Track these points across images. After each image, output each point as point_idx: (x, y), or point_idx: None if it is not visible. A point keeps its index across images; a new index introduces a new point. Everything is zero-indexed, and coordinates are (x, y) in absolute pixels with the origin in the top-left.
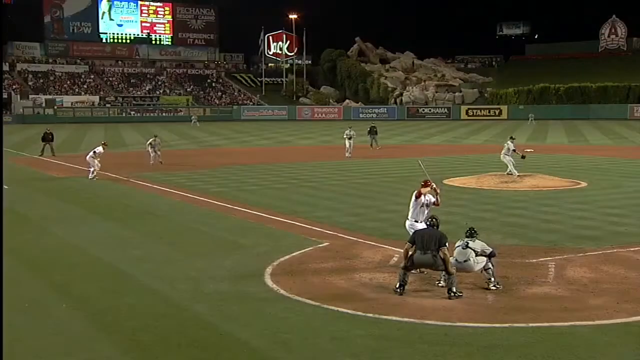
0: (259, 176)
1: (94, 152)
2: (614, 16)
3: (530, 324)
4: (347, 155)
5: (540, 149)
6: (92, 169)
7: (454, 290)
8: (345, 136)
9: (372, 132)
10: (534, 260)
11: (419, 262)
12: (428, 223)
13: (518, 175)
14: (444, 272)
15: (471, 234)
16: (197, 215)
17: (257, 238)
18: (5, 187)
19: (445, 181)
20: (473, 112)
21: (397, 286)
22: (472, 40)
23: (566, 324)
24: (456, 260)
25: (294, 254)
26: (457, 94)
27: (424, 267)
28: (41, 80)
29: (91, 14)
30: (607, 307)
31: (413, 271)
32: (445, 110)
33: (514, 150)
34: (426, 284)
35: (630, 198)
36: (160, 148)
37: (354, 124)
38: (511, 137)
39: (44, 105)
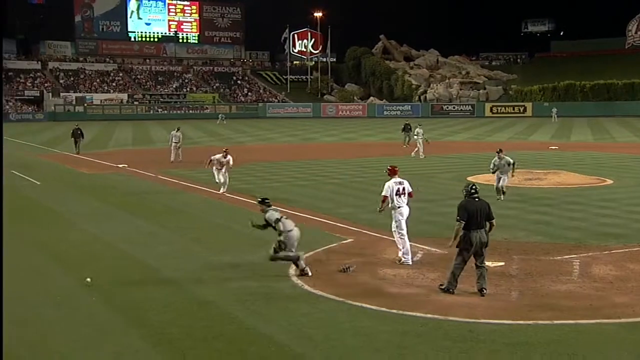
0: (284, 173)
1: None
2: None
3: (555, 322)
4: (421, 156)
5: (564, 146)
6: (221, 181)
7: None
8: (416, 135)
9: (406, 129)
10: (559, 257)
11: (478, 241)
12: (472, 191)
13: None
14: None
15: None
16: (223, 211)
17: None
18: (37, 183)
19: (469, 178)
20: (497, 109)
21: (447, 288)
22: (497, 37)
23: (591, 321)
24: None
25: (318, 250)
26: (481, 91)
27: (482, 246)
28: (72, 79)
29: (120, 13)
30: (634, 304)
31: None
32: (470, 107)
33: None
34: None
35: None
36: (181, 144)
37: (379, 122)
38: (499, 151)
39: (74, 103)
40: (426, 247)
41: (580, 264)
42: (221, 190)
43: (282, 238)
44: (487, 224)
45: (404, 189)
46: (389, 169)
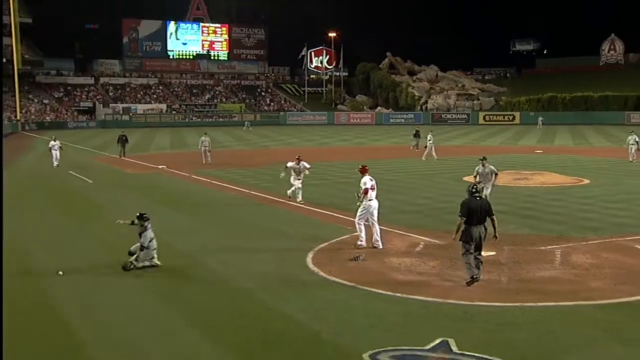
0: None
1: (294, 169)
2: (612, 34)
3: (539, 304)
4: (423, 158)
5: (548, 150)
6: (294, 189)
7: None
8: (429, 140)
9: (417, 135)
10: (543, 247)
11: (478, 235)
12: (473, 190)
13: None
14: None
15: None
16: (249, 207)
17: (300, 227)
18: (90, 181)
19: (465, 178)
20: (489, 117)
21: (470, 278)
22: (489, 54)
23: (570, 303)
24: None
25: (332, 241)
26: (475, 101)
27: (482, 239)
28: (119, 91)
29: (161, 34)
30: (606, 288)
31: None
32: (465, 116)
33: (495, 174)
34: (448, 267)
35: (628, 194)
36: (210, 148)
37: (386, 128)
38: (483, 158)
39: (121, 112)
40: (427, 239)
41: (562, 253)
42: (298, 199)
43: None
44: (489, 219)
45: (374, 185)
46: (360, 168)
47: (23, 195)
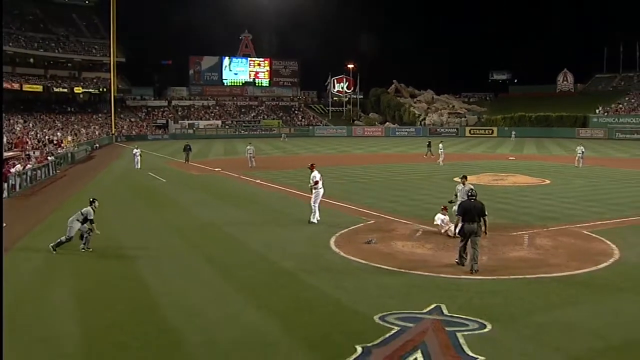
0: (326, 174)
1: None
2: (565, 69)
3: (510, 277)
4: (440, 164)
5: (519, 157)
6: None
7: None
8: (440, 149)
9: (429, 145)
10: (514, 233)
11: (469, 231)
12: (469, 194)
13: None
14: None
15: None
16: (284, 201)
17: (324, 217)
18: (164, 180)
19: (455, 178)
20: (474, 131)
21: (459, 262)
22: (473, 82)
23: (534, 276)
24: None
25: (350, 228)
26: (462, 118)
27: (472, 235)
28: (186, 111)
29: (218, 67)
30: (561, 264)
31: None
32: (455, 130)
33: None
34: (441, 249)
35: (578, 191)
36: (254, 155)
37: (393, 140)
38: (463, 177)
39: (187, 127)
40: (424, 227)
41: (528, 238)
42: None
43: (92, 228)
44: (481, 219)
45: (321, 177)
46: (310, 166)
47: (116, 190)
